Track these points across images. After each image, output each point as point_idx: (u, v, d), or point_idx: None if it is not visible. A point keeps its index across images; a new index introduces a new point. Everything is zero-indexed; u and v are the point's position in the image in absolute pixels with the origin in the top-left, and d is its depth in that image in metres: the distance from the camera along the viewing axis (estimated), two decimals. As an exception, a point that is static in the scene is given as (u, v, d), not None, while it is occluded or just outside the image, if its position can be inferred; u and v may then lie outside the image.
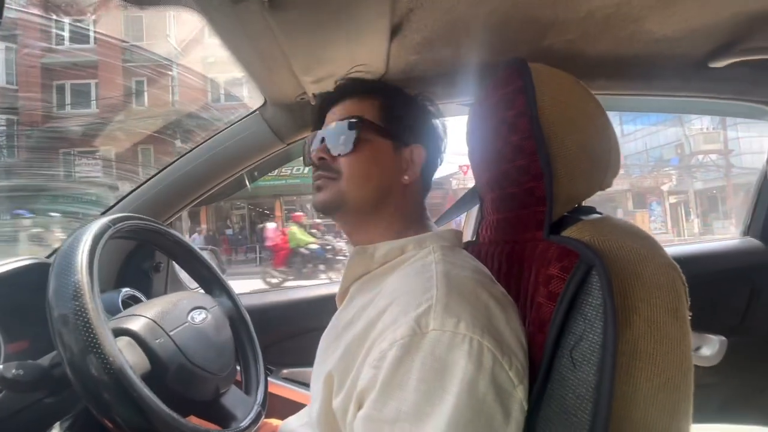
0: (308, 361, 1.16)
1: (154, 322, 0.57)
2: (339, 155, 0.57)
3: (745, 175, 12.09)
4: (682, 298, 0.44)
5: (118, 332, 0.54)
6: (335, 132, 0.58)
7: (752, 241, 1.25)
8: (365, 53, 0.76)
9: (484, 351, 0.40)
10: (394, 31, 0.73)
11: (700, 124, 12.39)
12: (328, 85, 0.68)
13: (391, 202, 0.58)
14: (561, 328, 0.43)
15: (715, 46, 0.88)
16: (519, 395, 0.41)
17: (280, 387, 1.07)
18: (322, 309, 1.20)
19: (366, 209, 0.58)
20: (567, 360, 0.42)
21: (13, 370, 0.46)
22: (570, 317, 0.43)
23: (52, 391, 0.51)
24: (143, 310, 0.58)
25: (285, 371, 1.12)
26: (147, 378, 0.49)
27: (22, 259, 0.68)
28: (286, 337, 1.18)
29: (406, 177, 0.58)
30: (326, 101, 0.64)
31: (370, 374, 0.42)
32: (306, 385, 1.12)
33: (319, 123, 0.64)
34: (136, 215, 0.64)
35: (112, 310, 0.63)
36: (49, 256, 0.87)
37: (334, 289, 1.22)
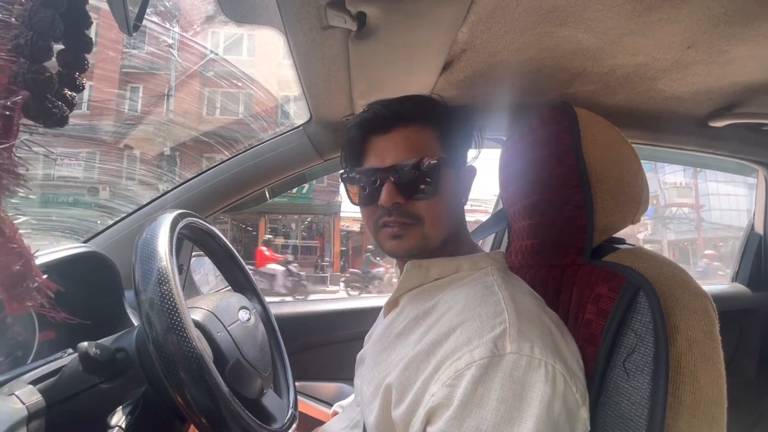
0: (312, 375, 1.16)
1: (214, 314, 0.58)
2: (417, 199, 0.55)
3: (714, 230, 12.76)
4: (714, 322, 0.49)
5: None
6: (411, 175, 0.54)
7: (740, 287, 1.35)
8: (416, 84, 0.83)
9: (557, 375, 0.41)
10: (445, 67, 0.81)
11: (674, 177, 13.13)
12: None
13: (457, 227, 0.60)
14: (613, 341, 0.48)
15: (716, 107, 0.99)
16: (583, 415, 0.43)
17: None
18: (323, 325, 1.21)
19: (443, 244, 0.58)
20: (620, 370, 0.46)
21: (94, 349, 0.47)
22: (620, 332, 0.48)
23: (109, 377, 0.52)
24: (200, 303, 0.60)
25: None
26: None
27: (73, 247, 0.69)
28: (291, 351, 1.17)
29: (463, 200, 0.61)
30: (375, 123, 0.57)
31: (445, 392, 0.43)
32: (313, 398, 1.11)
33: (360, 145, 0.59)
34: (195, 214, 0.67)
35: None
36: (86, 241, 0.87)
37: (337, 305, 1.23)
